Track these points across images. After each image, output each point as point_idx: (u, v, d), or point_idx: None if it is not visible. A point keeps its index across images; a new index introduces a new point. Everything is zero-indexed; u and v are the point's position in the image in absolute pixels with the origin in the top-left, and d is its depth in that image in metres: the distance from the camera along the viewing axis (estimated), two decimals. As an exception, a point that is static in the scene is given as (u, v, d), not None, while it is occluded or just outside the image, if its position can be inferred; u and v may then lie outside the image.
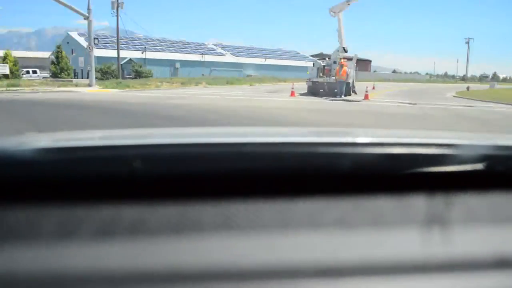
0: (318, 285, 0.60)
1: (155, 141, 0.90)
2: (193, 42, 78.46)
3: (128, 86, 32.32)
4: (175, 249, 0.64)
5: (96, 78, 33.83)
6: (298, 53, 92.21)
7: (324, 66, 27.90)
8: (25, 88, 27.22)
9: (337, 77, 24.19)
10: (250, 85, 43.53)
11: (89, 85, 31.17)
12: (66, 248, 0.63)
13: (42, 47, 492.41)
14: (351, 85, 25.60)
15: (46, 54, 68.15)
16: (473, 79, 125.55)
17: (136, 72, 51.07)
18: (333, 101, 21.34)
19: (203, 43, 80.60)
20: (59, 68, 47.12)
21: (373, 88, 36.63)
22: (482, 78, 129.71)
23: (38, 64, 60.49)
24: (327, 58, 28.79)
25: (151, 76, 50.18)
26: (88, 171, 0.71)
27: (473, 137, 1.14)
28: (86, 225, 0.66)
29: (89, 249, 0.63)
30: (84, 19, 30.11)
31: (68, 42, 60.31)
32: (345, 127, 10.19)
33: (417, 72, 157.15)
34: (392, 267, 0.64)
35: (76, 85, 31.75)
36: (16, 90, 25.34)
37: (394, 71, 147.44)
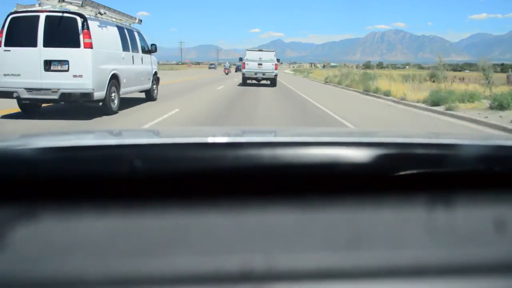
0: (317, 284, 0.60)
1: (156, 141, 0.90)
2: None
3: None
4: (176, 249, 0.62)
5: None
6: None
7: None
8: None
9: None
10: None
11: None
12: (66, 248, 0.61)
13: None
14: None
15: None
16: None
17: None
18: None
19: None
20: None
21: None
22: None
23: None
24: None
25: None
26: (88, 170, 0.68)
27: (473, 138, 1.11)
28: (88, 225, 0.65)
29: (89, 248, 0.61)
30: None
31: None
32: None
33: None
34: (393, 269, 0.62)
35: None
36: None
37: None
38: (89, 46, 9.45)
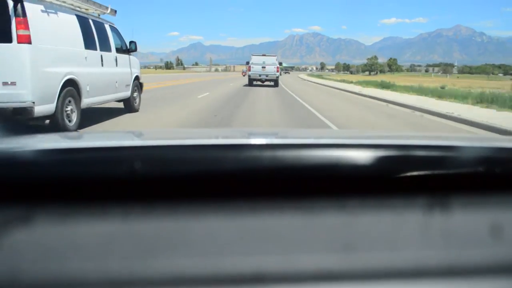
0: (318, 287, 0.51)
1: (156, 143, 0.75)
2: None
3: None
4: (175, 251, 0.53)
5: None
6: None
7: None
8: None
9: None
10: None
11: None
12: (65, 250, 0.53)
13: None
14: None
15: None
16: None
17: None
18: None
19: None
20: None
21: None
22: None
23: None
24: None
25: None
26: (88, 172, 0.58)
27: (473, 139, 0.93)
28: (86, 226, 0.56)
29: (88, 250, 0.53)
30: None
31: None
32: None
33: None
34: (390, 271, 0.53)
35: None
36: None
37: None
38: (26, 40, 5.15)
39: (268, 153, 0.61)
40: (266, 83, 24.93)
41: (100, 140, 0.88)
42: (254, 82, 24.87)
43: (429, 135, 1.30)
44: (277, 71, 25.02)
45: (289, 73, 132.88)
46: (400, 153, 0.64)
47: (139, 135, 1.14)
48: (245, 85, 24.96)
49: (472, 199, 0.62)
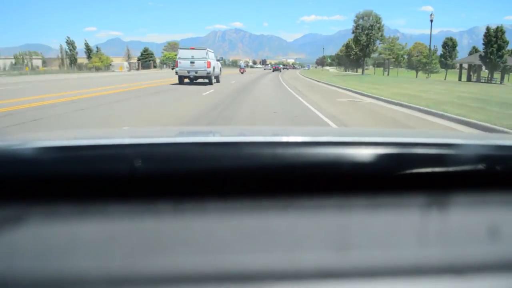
0: (317, 285, 0.49)
1: (156, 140, 0.75)
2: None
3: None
4: (176, 249, 0.53)
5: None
6: None
7: None
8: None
9: None
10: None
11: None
12: (65, 248, 0.52)
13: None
14: None
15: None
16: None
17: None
18: None
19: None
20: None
21: None
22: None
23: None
24: None
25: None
26: (88, 170, 0.58)
27: (473, 137, 0.94)
28: (86, 224, 0.55)
29: (88, 248, 0.52)
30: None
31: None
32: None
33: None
34: (389, 269, 0.52)
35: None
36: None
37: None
38: None
39: (268, 151, 0.60)
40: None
41: (100, 138, 0.87)
42: (185, 80, 22.01)
43: (429, 133, 1.28)
44: (208, 67, 21.27)
45: (287, 69, 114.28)
46: (399, 151, 0.63)
47: (139, 132, 1.13)
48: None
49: (471, 197, 0.62)
